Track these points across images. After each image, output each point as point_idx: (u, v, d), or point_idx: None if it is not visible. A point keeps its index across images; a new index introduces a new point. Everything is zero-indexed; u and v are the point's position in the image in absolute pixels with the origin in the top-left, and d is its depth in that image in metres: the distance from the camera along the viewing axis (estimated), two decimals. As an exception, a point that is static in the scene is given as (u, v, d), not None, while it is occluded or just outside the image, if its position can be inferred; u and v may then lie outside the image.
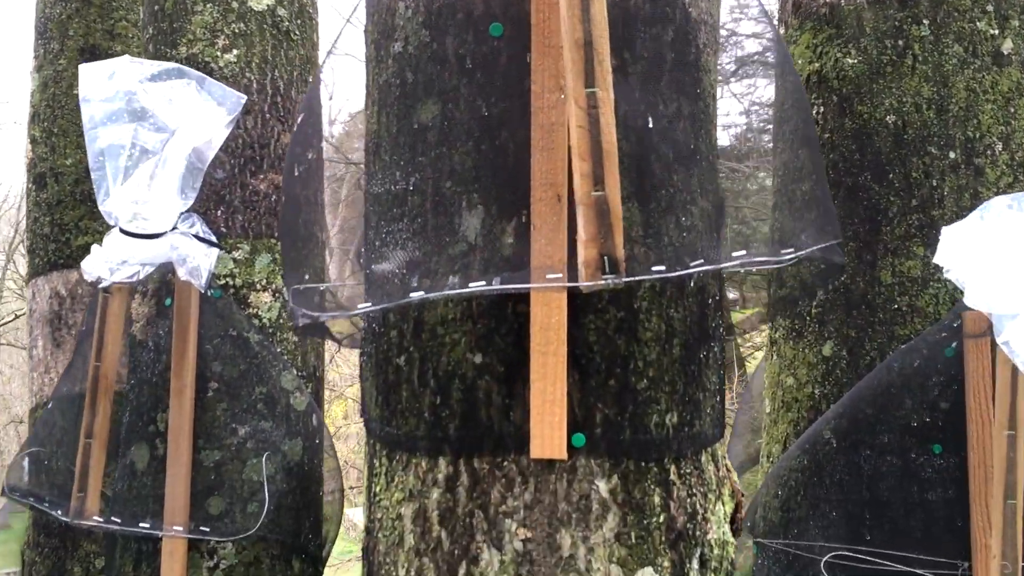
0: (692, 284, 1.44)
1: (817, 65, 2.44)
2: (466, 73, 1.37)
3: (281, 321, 2.48)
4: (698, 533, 1.45)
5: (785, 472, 2.37)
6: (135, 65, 2.23)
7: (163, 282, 2.46)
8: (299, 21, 2.60)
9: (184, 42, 2.48)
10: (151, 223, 2.23)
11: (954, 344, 2.12)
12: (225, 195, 2.45)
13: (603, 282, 1.14)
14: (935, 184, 2.26)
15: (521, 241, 1.35)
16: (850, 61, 2.35)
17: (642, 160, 1.27)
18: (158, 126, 2.22)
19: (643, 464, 1.41)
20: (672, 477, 1.43)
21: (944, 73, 2.27)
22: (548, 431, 1.35)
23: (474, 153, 1.37)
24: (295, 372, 2.48)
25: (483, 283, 1.20)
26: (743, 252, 1.23)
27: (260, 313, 2.45)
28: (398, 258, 1.31)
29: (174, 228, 2.25)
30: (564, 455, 1.35)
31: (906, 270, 2.27)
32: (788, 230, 1.37)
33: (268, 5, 2.52)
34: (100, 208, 2.18)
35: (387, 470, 1.49)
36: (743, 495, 1.57)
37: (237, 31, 2.48)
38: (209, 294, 2.36)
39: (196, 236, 2.28)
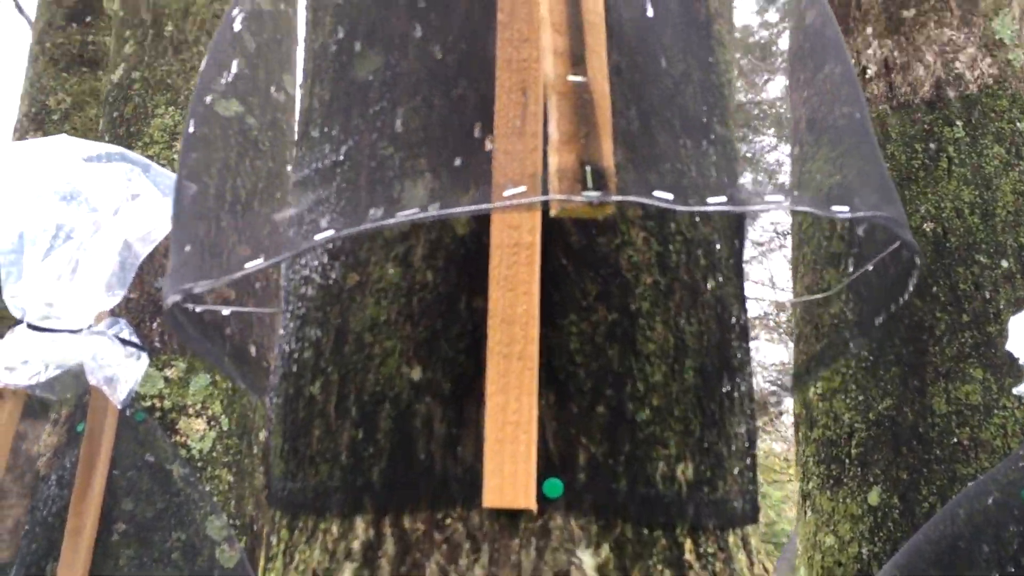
0: (708, 292, 1.09)
1: (839, 177, 2.18)
2: (418, 14, 1.10)
3: (215, 455, 2.08)
4: (728, 645, 1.00)
5: (831, 657, 1.86)
6: (73, 143, 1.99)
7: (78, 406, 2.09)
8: (270, 133, 2.39)
9: (140, 145, 2.26)
10: (65, 319, 1.89)
11: (1036, 476, 1.71)
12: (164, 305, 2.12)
13: (583, 198, 0.80)
14: (988, 297, 1.93)
15: (481, 220, 1.02)
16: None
17: (639, 68, 0.96)
18: (90, 209, 1.94)
19: (646, 532, 0.98)
20: (687, 556, 1.00)
21: (986, 176, 2.01)
22: (510, 468, 0.94)
23: (424, 109, 1.06)
24: (226, 519, 2.03)
25: (415, 210, 0.85)
26: (780, 197, 0.89)
27: (190, 443, 2.05)
28: (306, 203, 0.97)
29: (90, 326, 1.91)
30: (532, 505, 0.94)
31: (963, 396, 1.89)
32: (837, 187, 1.04)
33: (236, 112, 2.32)
34: (4, 296, 1.85)
35: (287, 546, 1.06)
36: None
37: (199, 135, 2.26)
38: (128, 414, 1.97)
39: (118, 338, 1.94)
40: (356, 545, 0.99)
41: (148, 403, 2.05)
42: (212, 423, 2.08)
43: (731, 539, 1.06)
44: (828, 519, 2.02)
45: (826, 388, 2.06)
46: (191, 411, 2.07)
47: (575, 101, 0.82)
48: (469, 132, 0.97)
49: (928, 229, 2.01)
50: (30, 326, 1.89)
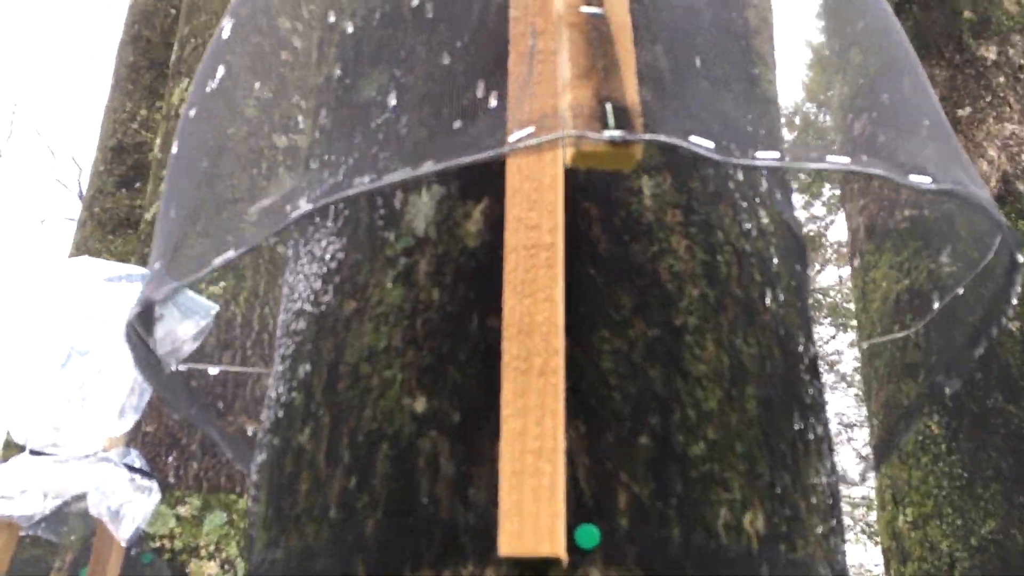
0: (767, 312, 0.92)
1: (907, 282, 2.02)
2: (426, 27, 1.01)
3: (227, 603, 1.86)
4: None
5: None
6: (95, 264, 1.92)
7: (83, 549, 1.91)
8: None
9: (168, 277, 2.19)
10: (71, 445, 1.75)
11: None
12: (181, 438, 1.98)
13: (603, 136, 0.66)
14: (1093, 397, 1.70)
15: (495, 230, 0.88)
16: (948, 269, 1.93)
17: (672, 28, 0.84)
18: (106, 330, 1.84)
19: (708, 594, 0.77)
20: (765, 629, 0.78)
21: (1071, 268, 1.82)
22: (531, 507, 0.75)
23: (432, 119, 0.95)
24: None
25: (408, 169, 0.72)
26: (846, 159, 0.74)
27: (200, 589, 1.84)
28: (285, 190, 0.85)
29: (97, 452, 1.76)
30: (561, 552, 0.74)
31: (1081, 511, 1.63)
32: (910, 154, 0.88)
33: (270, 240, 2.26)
34: (8, 422, 1.73)
35: (264, 631, 0.86)
36: None
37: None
38: (134, 555, 1.79)
39: (128, 466, 1.78)
40: (344, 618, 0.79)
41: (157, 543, 1.87)
42: (227, 567, 1.88)
43: (819, 615, 0.84)
44: (935, 669, 1.71)
45: (917, 514, 1.81)
46: (203, 552, 1.88)
47: (590, 34, 0.70)
48: (488, 175, 0.85)
49: (1015, 328, 1.81)
50: (32, 452, 1.75)
